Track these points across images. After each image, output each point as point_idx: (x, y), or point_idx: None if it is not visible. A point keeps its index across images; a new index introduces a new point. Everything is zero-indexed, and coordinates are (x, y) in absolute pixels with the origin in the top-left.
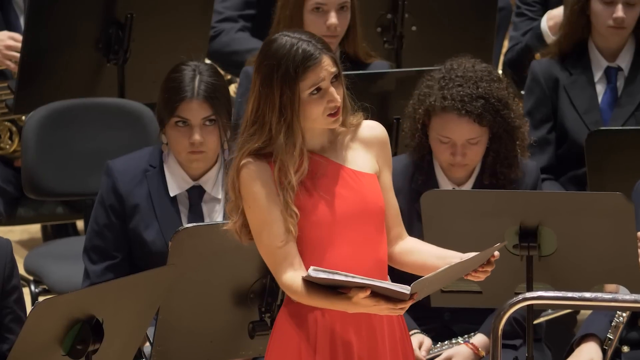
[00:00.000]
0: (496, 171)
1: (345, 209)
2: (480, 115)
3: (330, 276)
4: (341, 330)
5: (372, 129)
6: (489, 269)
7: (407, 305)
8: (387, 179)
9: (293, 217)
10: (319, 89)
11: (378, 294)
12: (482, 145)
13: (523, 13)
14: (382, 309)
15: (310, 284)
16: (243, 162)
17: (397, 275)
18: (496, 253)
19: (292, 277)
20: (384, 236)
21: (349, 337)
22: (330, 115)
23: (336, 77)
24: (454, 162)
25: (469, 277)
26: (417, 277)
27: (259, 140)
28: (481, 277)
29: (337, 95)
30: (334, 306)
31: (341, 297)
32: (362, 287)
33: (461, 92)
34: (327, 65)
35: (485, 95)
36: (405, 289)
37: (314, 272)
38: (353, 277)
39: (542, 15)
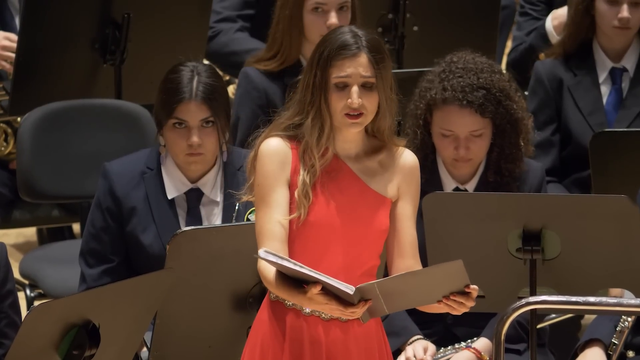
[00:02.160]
0: (500, 167)
1: (343, 221)
2: (482, 105)
3: (279, 261)
4: (311, 329)
5: (404, 157)
6: (467, 303)
7: (357, 309)
8: (408, 208)
9: (307, 199)
10: (344, 85)
11: (331, 293)
12: (485, 139)
13: (527, 12)
14: (333, 309)
15: (281, 274)
16: (269, 137)
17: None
18: (473, 286)
19: (268, 264)
20: (374, 261)
21: (319, 335)
22: (347, 115)
23: (372, 85)
24: (458, 156)
25: (445, 307)
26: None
27: (291, 117)
28: (456, 308)
29: (356, 97)
30: (293, 298)
31: (300, 291)
32: (314, 281)
33: (462, 83)
34: (359, 65)
35: (487, 85)
36: (350, 289)
37: (264, 254)
38: (302, 266)
39: (546, 15)
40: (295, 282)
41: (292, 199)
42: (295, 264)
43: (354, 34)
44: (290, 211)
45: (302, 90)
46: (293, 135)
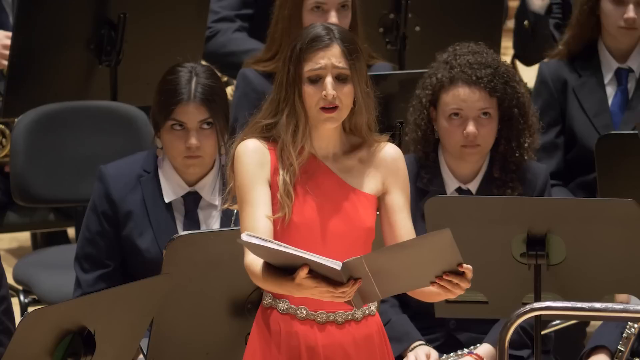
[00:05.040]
0: (507, 161)
1: (326, 221)
2: (491, 82)
3: (262, 243)
4: (307, 335)
5: (384, 150)
6: (462, 284)
7: (348, 289)
8: (398, 200)
9: (290, 198)
10: (318, 77)
11: (319, 276)
12: (493, 122)
13: None
14: (323, 291)
15: (268, 266)
16: (245, 139)
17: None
18: (466, 265)
19: (254, 259)
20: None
21: (315, 340)
22: (323, 109)
23: (347, 78)
24: (467, 141)
25: (439, 290)
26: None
27: (266, 117)
28: (451, 289)
29: (331, 88)
30: (282, 289)
31: (288, 279)
32: (298, 262)
33: (470, 60)
34: (333, 56)
35: (494, 64)
36: (337, 264)
37: (247, 237)
38: (286, 247)
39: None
40: (283, 271)
41: (274, 200)
42: (279, 245)
43: (325, 27)
44: (273, 212)
45: (276, 89)
46: (269, 136)
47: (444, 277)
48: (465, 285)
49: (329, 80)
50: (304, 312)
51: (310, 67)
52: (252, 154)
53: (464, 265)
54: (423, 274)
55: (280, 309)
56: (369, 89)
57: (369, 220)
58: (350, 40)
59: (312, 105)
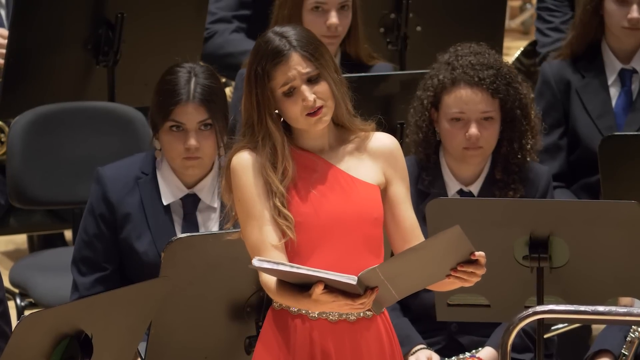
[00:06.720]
0: (509, 163)
1: (332, 214)
2: (493, 83)
3: (275, 266)
4: (320, 339)
5: (380, 140)
6: (478, 271)
7: (366, 300)
8: (400, 191)
9: (288, 221)
10: (292, 89)
11: (335, 290)
12: (495, 125)
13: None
14: (342, 304)
15: (283, 282)
16: (236, 152)
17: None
18: (478, 253)
19: (269, 276)
20: (375, 249)
21: (327, 346)
22: (309, 115)
23: (318, 76)
24: (469, 143)
25: (455, 280)
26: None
27: (249, 142)
28: (467, 278)
29: (309, 94)
30: (299, 304)
31: (305, 295)
32: (313, 280)
33: (472, 61)
34: (297, 65)
35: (496, 65)
36: (352, 279)
37: (258, 262)
38: (299, 267)
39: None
40: (298, 287)
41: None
42: (292, 267)
43: (279, 36)
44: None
45: (247, 112)
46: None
47: (459, 268)
48: (481, 271)
49: (304, 88)
50: (316, 312)
51: (279, 83)
52: (248, 165)
53: (476, 252)
54: (438, 270)
55: (292, 311)
56: (339, 76)
57: (376, 210)
58: (308, 39)
59: (297, 116)
